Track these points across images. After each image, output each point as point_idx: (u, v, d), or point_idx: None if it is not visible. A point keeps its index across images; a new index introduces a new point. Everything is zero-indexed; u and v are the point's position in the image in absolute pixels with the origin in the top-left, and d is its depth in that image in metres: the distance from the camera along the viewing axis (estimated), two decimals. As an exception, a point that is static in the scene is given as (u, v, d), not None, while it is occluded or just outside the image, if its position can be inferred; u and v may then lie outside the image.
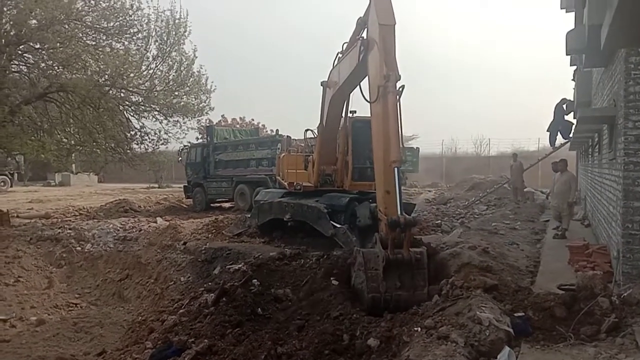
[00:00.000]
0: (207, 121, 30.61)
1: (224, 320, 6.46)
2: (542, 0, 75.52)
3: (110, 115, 15.88)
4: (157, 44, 15.86)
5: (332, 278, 7.17)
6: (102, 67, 14.89)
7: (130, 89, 15.65)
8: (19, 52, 14.92)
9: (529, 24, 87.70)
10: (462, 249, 7.91)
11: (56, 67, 14.99)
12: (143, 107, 16.33)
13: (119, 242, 13.34)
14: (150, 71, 15.98)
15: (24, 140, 14.36)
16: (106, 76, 15.02)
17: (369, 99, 7.28)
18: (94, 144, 16.18)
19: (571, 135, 15.44)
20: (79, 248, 13.27)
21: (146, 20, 15.60)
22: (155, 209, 20.61)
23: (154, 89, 15.92)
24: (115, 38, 15.40)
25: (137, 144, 17.24)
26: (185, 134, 17.85)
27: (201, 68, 17.21)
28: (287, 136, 17.68)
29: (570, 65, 16.11)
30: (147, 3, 15.57)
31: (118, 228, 14.38)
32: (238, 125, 40.07)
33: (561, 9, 14.31)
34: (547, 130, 17.35)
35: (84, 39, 15.04)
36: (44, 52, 14.75)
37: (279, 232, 11.81)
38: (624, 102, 6.49)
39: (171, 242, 12.36)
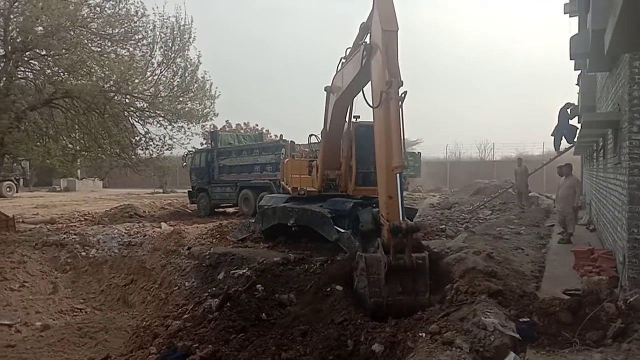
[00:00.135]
0: (212, 126, 30.81)
1: (228, 326, 6.46)
2: (547, 5, 75.42)
3: (115, 121, 15.97)
4: (162, 50, 15.97)
5: (335, 284, 7.16)
6: (107, 73, 14.98)
7: (135, 94, 15.74)
8: (25, 58, 15.05)
9: (536, 26, 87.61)
10: (467, 254, 7.90)
11: (62, 74, 15.10)
12: (148, 112, 16.41)
13: (124, 248, 13.36)
14: (155, 77, 16.07)
15: (29, 146, 14.45)
16: (111, 82, 15.11)
17: (371, 104, 7.30)
18: (99, 149, 16.26)
19: (575, 139, 15.40)
20: (83, 253, 13.31)
21: (151, 27, 15.72)
22: (160, 214, 20.66)
23: (159, 95, 16.00)
24: (121, 44, 15.51)
25: (142, 150, 17.33)
26: (190, 139, 17.95)
27: (205, 74, 17.32)
28: (291, 141, 17.71)
29: (575, 69, 16.09)
30: (152, 10, 15.70)
31: (123, 233, 14.42)
32: (242, 131, 40.15)
33: (565, 13, 14.32)
34: (552, 135, 17.31)
35: (89, 45, 15.15)
36: (49, 58, 14.87)
37: (283, 237, 11.80)
38: (628, 106, 6.48)
39: (175, 247, 12.38)
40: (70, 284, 12.40)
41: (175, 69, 16.34)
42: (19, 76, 15.47)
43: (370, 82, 7.67)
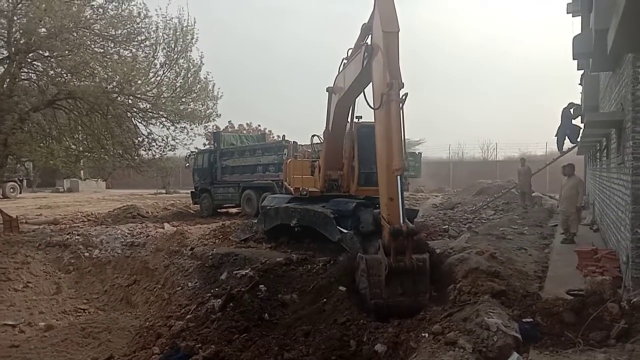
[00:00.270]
0: (214, 127, 30.79)
1: (231, 326, 6.47)
2: (548, 5, 75.28)
3: (118, 121, 16.02)
4: (164, 51, 16.01)
5: (338, 285, 7.17)
6: (110, 74, 15.02)
7: (138, 95, 15.78)
8: (29, 60, 15.11)
9: (537, 26, 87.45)
10: (470, 254, 7.89)
11: (65, 75, 15.16)
12: (151, 113, 16.45)
13: (127, 248, 13.39)
14: (158, 78, 16.11)
15: (33, 147, 14.51)
16: (114, 83, 15.16)
17: (372, 106, 7.30)
18: (102, 150, 16.31)
19: (579, 139, 15.36)
20: (87, 254, 13.35)
21: (154, 28, 15.77)
22: (163, 215, 20.69)
23: (162, 96, 16.03)
24: (123, 45, 15.55)
25: (145, 150, 17.38)
26: (193, 140, 17.99)
27: (208, 75, 17.35)
28: (294, 142, 17.75)
29: (578, 69, 16.04)
30: (155, 11, 15.75)
31: (126, 234, 14.45)
32: (245, 131, 40.22)
33: (567, 13, 14.28)
34: (555, 135, 17.28)
35: (92, 46, 15.21)
36: (52, 59, 14.93)
37: (285, 237, 11.81)
38: (631, 106, 6.46)
39: (178, 247, 12.40)
40: (73, 285, 12.43)
41: (177, 70, 16.39)
42: (23, 77, 15.54)
43: (371, 83, 7.68)
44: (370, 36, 7.97)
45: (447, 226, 14.48)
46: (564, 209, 11.02)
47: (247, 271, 9.23)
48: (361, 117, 10.68)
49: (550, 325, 5.18)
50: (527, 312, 5.55)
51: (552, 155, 24.56)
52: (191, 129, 17.34)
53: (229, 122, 42.26)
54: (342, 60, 9.54)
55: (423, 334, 5.07)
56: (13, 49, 14.65)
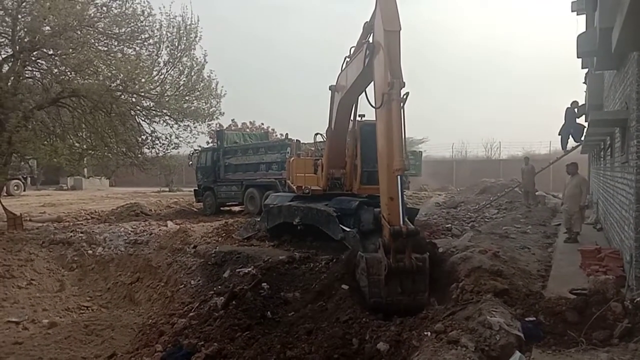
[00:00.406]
0: (218, 125, 30.77)
1: (234, 324, 6.49)
2: (551, 3, 74.94)
3: (121, 120, 16.04)
4: (168, 49, 15.99)
5: (341, 283, 7.17)
6: (113, 72, 15.03)
7: (142, 94, 15.79)
8: (33, 58, 15.14)
9: (539, 25, 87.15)
10: (473, 253, 7.88)
11: (69, 73, 15.18)
12: (154, 111, 16.47)
13: (130, 246, 13.43)
14: (162, 76, 16.11)
15: (37, 144, 14.53)
16: (118, 81, 15.16)
17: (374, 105, 7.29)
18: (106, 148, 16.33)
19: (583, 138, 15.31)
20: (90, 251, 13.40)
21: (157, 26, 15.74)
22: (166, 213, 20.75)
23: (165, 94, 16.04)
24: (127, 44, 15.55)
25: (148, 149, 17.38)
26: (196, 138, 17.96)
27: (211, 73, 17.33)
28: (297, 140, 17.74)
29: (582, 67, 15.99)
30: (158, 9, 15.69)
31: (129, 232, 14.49)
32: (248, 130, 40.23)
33: (572, 11, 14.22)
34: (559, 134, 17.24)
35: (96, 45, 15.21)
36: (56, 58, 14.95)
37: (288, 235, 11.82)
38: (636, 104, 6.43)
39: (181, 245, 12.43)
40: (76, 282, 12.49)
41: (181, 68, 16.38)
42: (27, 75, 15.56)
43: (372, 82, 7.67)
44: (372, 35, 7.96)
45: (450, 225, 14.47)
46: (567, 207, 10.99)
47: (249, 269, 9.26)
48: (364, 116, 10.69)
49: (553, 325, 5.17)
50: (530, 311, 5.54)
51: (556, 154, 24.50)
52: (194, 127, 17.34)
53: (232, 120, 42.30)
54: (345, 58, 9.54)
55: (425, 333, 5.07)
56: (17, 47, 14.68)
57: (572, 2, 14.15)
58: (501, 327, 4.76)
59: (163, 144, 17.08)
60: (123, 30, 15.27)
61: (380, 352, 5.15)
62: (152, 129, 17.05)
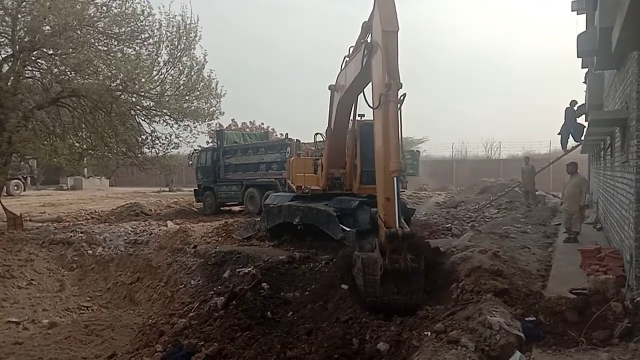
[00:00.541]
0: (218, 125, 30.82)
1: (234, 324, 6.48)
2: (551, 3, 74.89)
3: (121, 119, 16.03)
4: (168, 49, 15.98)
5: (341, 283, 7.17)
6: (113, 72, 15.02)
7: (142, 93, 15.78)
8: (33, 58, 15.13)
9: (539, 25, 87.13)
10: (473, 252, 7.87)
11: (69, 73, 15.17)
12: (154, 111, 16.46)
13: (130, 246, 13.43)
14: (161, 76, 16.10)
15: (37, 144, 14.53)
16: (118, 81, 15.15)
17: (371, 105, 7.30)
18: (106, 148, 16.32)
19: (583, 138, 15.31)
20: (90, 251, 13.39)
21: (157, 26, 15.72)
22: (166, 213, 20.75)
23: (165, 94, 16.03)
24: (127, 43, 15.54)
25: (148, 148, 17.38)
26: (196, 138, 17.95)
27: (211, 73, 17.32)
28: (297, 140, 17.74)
29: (582, 67, 15.99)
30: (158, 9, 15.66)
31: (129, 231, 14.49)
32: (248, 129, 40.23)
33: (572, 11, 14.22)
34: (559, 134, 17.25)
35: (96, 44, 15.21)
36: (56, 57, 14.94)
37: (288, 235, 11.82)
38: (636, 104, 6.43)
39: (181, 245, 12.42)
40: (76, 282, 12.48)
41: (181, 67, 16.36)
42: (27, 75, 15.55)
43: (371, 82, 7.67)
44: (370, 35, 7.95)
45: (450, 225, 14.47)
46: (566, 207, 10.99)
47: (249, 269, 9.25)
48: (363, 115, 10.69)
49: (553, 324, 5.17)
50: (530, 310, 5.54)
51: (556, 153, 24.51)
52: (194, 127, 17.33)
53: (232, 120, 42.31)
54: (344, 58, 9.54)
55: (425, 333, 5.07)
56: (17, 47, 14.67)
57: (572, 2, 14.15)
58: (501, 327, 4.76)
59: (163, 143, 17.10)
60: (123, 29, 15.26)
61: (380, 352, 5.15)
62: (152, 128, 17.07)
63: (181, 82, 16.44)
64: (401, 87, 6.71)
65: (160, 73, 16.05)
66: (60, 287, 12.08)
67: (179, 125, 16.83)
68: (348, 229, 9.87)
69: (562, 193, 12.07)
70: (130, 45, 15.65)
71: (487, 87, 79.66)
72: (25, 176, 32.40)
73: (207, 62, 16.89)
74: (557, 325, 5.15)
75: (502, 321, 4.86)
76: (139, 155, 17.16)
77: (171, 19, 15.81)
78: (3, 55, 15.20)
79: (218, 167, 20.71)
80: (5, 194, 28.36)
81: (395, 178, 6.63)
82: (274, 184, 17.74)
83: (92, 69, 14.90)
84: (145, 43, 15.76)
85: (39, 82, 15.76)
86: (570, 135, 16.93)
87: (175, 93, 16.27)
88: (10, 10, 14.41)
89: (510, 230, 12.18)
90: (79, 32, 14.56)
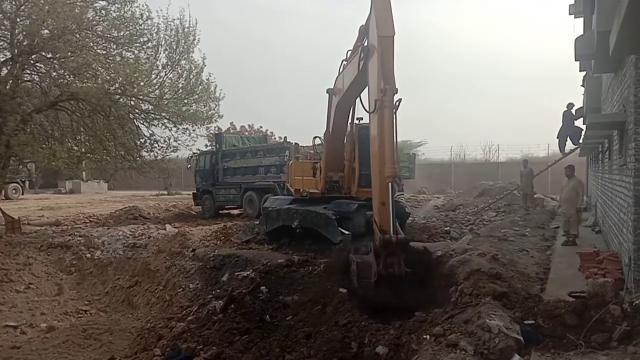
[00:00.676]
0: (216, 129, 30.83)
1: (232, 328, 6.48)
2: (549, 6, 75.12)
3: (120, 123, 16.02)
4: (166, 52, 15.99)
5: (340, 287, 7.17)
6: (112, 75, 15.03)
7: (140, 97, 15.77)
8: (31, 61, 15.13)
9: (538, 27, 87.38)
10: (471, 255, 7.86)
11: (67, 76, 15.17)
12: (153, 115, 16.45)
13: (128, 249, 13.40)
14: (160, 79, 16.10)
15: (35, 148, 14.51)
16: (116, 85, 15.15)
17: (368, 109, 7.31)
18: (104, 151, 16.30)
19: (581, 141, 15.34)
20: (88, 255, 13.36)
21: (156, 30, 15.74)
22: (165, 216, 20.74)
23: (164, 97, 16.03)
24: (126, 47, 15.55)
25: (147, 152, 17.36)
26: (195, 141, 17.94)
27: (210, 76, 17.34)
28: (295, 143, 17.76)
29: (580, 70, 16.04)
30: (156, 12, 15.68)
31: (127, 235, 14.46)
32: (247, 133, 40.27)
33: (570, 14, 14.29)
34: (557, 137, 17.27)
35: (95, 48, 15.21)
36: (55, 61, 14.94)
37: (287, 239, 11.82)
38: (634, 107, 6.45)
39: (180, 249, 12.40)
40: (75, 286, 12.44)
41: (180, 71, 16.37)
42: (25, 79, 15.55)
43: (367, 87, 7.69)
44: (367, 39, 7.97)
45: (448, 228, 14.48)
46: (564, 210, 11.01)
47: (248, 273, 9.25)
48: (362, 119, 10.71)
49: (552, 328, 5.17)
50: (528, 314, 5.53)
51: (554, 156, 24.51)
52: (193, 130, 17.32)
53: (230, 123, 42.35)
54: (342, 61, 9.56)
55: (424, 336, 5.06)
56: (16, 50, 14.67)
57: (570, 5, 14.23)
58: (500, 330, 4.76)
59: (162, 147, 17.08)
60: (122, 33, 15.28)
61: (379, 356, 5.14)
62: (150, 132, 17.06)
63: (180, 85, 16.45)
64: (397, 92, 6.72)
65: (159, 76, 16.06)
66: (59, 291, 12.04)
67: (178, 129, 16.83)
68: (347, 232, 9.87)
69: (559, 196, 12.09)
70: (129, 49, 15.67)
71: (485, 88, 79.84)
72: (23, 180, 32.40)
73: (205, 65, 16.92)
74: (556, 328, 5.15)
75: (501, 324, 4.86)
76: (138, 158, 17.14)
77: (169, 23, 15.85)
78: (2, 59, 15.19)
79: (217, 171, 20.71)
80: (3, 198, 28.40)
81: (389, 184, 6.66)
82: (272, 187, 17.75)
83: (90, 72, 14.90)
84: (144, 46, 15.79)
85: (38, 86, 15.75)
86: (568, 138, 16.96)
87: (174, 96, 16.28)
88: (9, 14, 14.43)
89: (508, 233, 12.18)
90: (77, 36, 14.57)
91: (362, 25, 8.32)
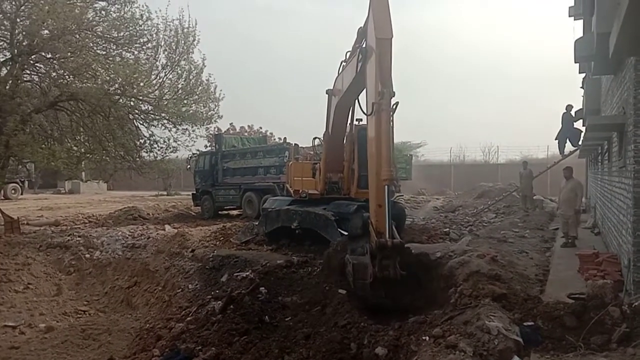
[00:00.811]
0: (216, 129, 30.83)
1: (231, 328, 6.47)
2: (550, 7, 75.18)
3: (120, 123, 16.02)
4: (166, 53, 15.98)
5: (339, 288, 7.17)
6: (112, 76, 15.02)
7: (140, 97, 15.76)
8: (31, 61, 15.12)
9: (539, 28, 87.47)
10: (471, 257, 7.87)
11: (67, 77, 15.16)
12: (152, 115, 16.44)
13: (128, 250, 13.39)
14: (160, 80, 16.09)
15: (34, 148, 14.49)
16: (116, 85, 15.15)
17: (366, 112, 7.33)
18: (104, 152, 16.29)
19: (580, 143, 15.35)
20: (87, 255, 13.34)
21: (155, 30, 15.73)
22: (164, 217, 20.72)
23: (163, 98, 16.02)
24: (125, 47, 15.54)
25: (147, 152, 17.33)
26: (194, 142, 17.91)
27: (210, 76, 17.34)
28: (295, 144, 17.77)
29: (579, 72, 16.06)
30: (156, 13, 15.68)
31: (127, 235, 14.45)
32: (246, 133, 40.26)
33: (569, 16, 14.28)
34: (556, 139, 17.29)
35: (95, 48, 15.20)
36: (55, 61, 14.93)
37: (286, 239, 11.81)
38: (633, 109, 6.45)
39: (179, 249, 12.39)
40: (74, 286, 12.43)
41: (179, 71, 16.36)
42: (25, 79, 15.54)
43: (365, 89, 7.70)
44: (365, 40, 7.98)
45: (448, 229, 14.47)
46: (563, 212, 11.01)
47: (247, 273, 9.24)
48: (361, 120, 10.70)
49: (552, 329, 5.17)
50: (528, 315, 5.53)
51: (554, 158, 24.53)
52: (193, 131, 17.31)
53: (230, 124, 42.34)
54: (341, 63, 9.57)
55: (424, 337, 5.06)
56: (16, 50, 14.66)
57: (570, 7, 14.22)
58: (499, 331, 4.76)
59: (161, 147, 17.05)
60: (122, 34, 15.27)
61: (378, 357, 5.14)
62: (150, 132, 17.03)
63: (179, 86, 16.44)
64: (394, 95, 6.74)
65: (158, 77, 16.05)
66: (58, 291, 12.03)
67: (177, 129, 16.82)
68: (346, 233, 9.87)
69: (558, 198, 12.10)
70: (129, 50, 15.66)
71: (485, 89, 80.00)
72: (22, 180, 32.39)
73: (205, 65, 16.92)
74: (555, 330, 5.15)
75: (501, 326, 4.86)
76: (137, 159, 17.13)
77: (169, 23, 15.85)
78: (1, 59, 15.18)
79: (216, 171, 20.70)
80: (2, 198, 28.39)
81: (386, 187, 6.66)
82: (272, 188, 17.74)
83: (90, 72, 14.89)
84: (143, 47, 15.77)
85: (37, 86, 15.75)
86: (567, 140, 16.98)
87: (174, 97, 16.27)
88: (8, 14, 14.42)
89: (508, 235, 12.18)
90: (77, 36, 14.56)
91: (361, 27, 8.33)
